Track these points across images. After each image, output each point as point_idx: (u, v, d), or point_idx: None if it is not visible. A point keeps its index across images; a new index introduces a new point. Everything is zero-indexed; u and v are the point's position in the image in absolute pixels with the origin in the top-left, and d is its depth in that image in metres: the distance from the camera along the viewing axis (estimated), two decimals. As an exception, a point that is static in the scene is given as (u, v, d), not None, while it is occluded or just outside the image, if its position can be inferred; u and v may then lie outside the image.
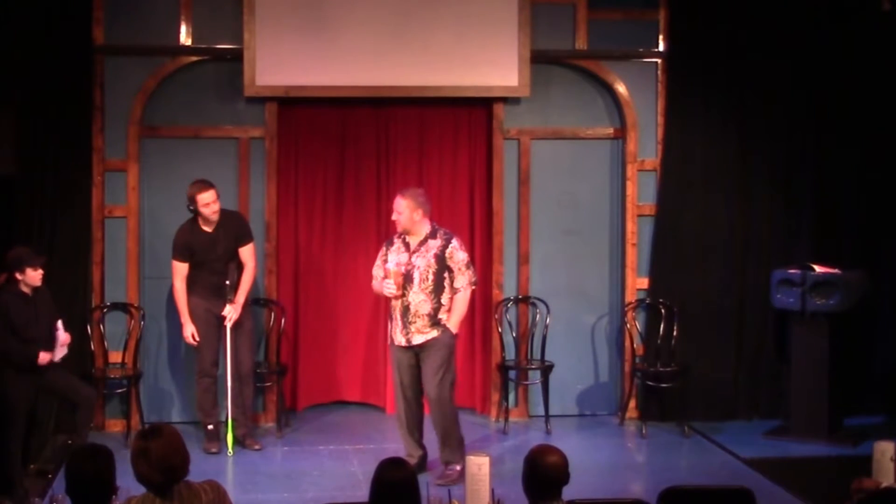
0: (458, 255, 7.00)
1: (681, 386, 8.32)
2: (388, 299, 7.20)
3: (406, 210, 7.00)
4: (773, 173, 8.63)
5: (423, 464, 7.13)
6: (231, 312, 7.66)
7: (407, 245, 7.06)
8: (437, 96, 8.44)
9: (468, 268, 7.04)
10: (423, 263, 6.96)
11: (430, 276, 6.94)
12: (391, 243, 7.17)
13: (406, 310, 6.96)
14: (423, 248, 7.00)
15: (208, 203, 7.56)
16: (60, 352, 7.05)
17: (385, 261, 7.10)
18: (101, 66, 8.19)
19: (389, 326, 7.14)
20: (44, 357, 6.84)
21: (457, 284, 6.98)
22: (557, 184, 8.71)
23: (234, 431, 7.70)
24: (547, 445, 4.27)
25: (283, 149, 8.50)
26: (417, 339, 6.97)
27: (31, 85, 7.94)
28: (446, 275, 6.97)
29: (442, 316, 6.97)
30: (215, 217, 7.63)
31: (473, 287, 7.10)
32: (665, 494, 4.65)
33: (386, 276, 7.01)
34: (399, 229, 7.09)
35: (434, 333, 6.95)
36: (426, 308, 6.94)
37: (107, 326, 8.24)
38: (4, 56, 7.89)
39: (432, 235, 7.04)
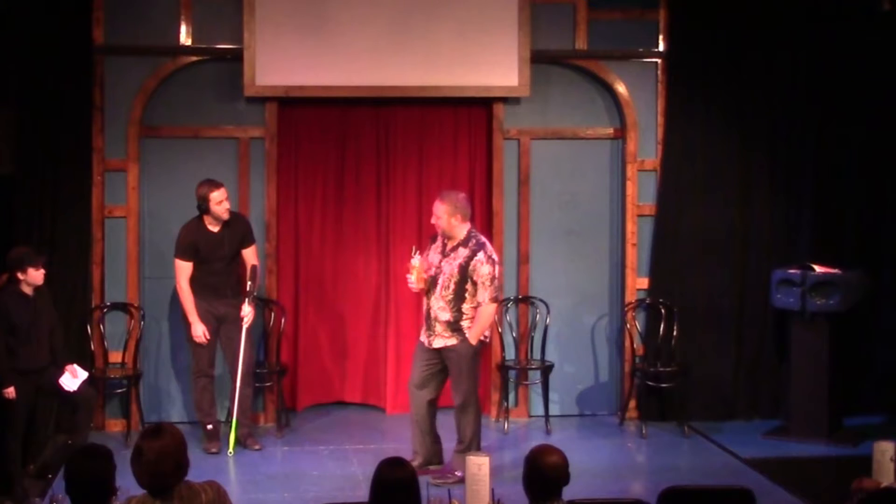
0: (481, 269, 6.85)
1: (681, 386, 8.32)
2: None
3: (444, 215, 6.93)
4: (773, 173, 8.63)
5: (429, 461, 7.10)
6: (249, 314, 7.68)
7: (444, 247, 7.03)
8: (437, 96, 8.43)
9: (492, 283, 6.88)
10: (448, 271, 6.92)
11: (452, 286, 6.90)
12: (434, 240, 7.15)
13: (428, 314, 7.00)
14: (453, 255, 6.96)
15: (221, 201, 7.60)
16: (74, 384, 7.05)
17: (426, 258, 7.10)
18: (101, 66, 8.19)
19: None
20: (9, 392, 6.80)
21: (479, 298, 6.90)
22: (557, 184, 8.71)
23: (237, 431, 7.71)
24: (547, 445, 4.27)
25: (283, 149, 8.49)
26: (437, 343, 6.97)
27: (31, 85, 7.94)
28: (468, 286, 6.89)
29: (464, 323, 6.92)
30: (226, 215, 7.66)
31: (496, 303, 7.03)
32: (665, 494, 4.65)
33: (409, 271, 7.03)
34: (440, 232, 7.03)
35: (453, 341, 6.93)
36: (445, 316, 6.92)
37: (107, 326, 8.23)
38: (4, 56, 7.89)
39: (464, 243, 6.95)
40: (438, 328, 6.95)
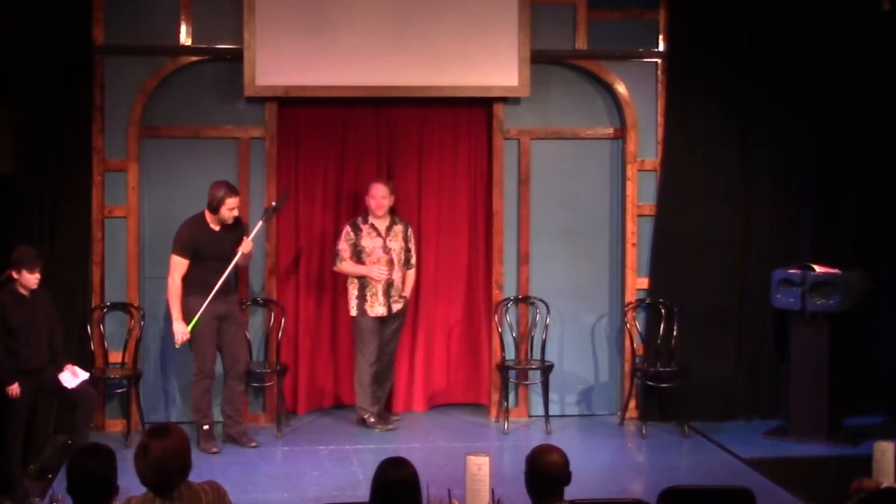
0: (413, 237, 8.34)
1: (681, 386, 8.32)
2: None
3: (390, 196, 8.17)
4: (773, 173, 8.63)
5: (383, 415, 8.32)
6: (246, 245, 7.73)
7: (377, 230, 8.16)
8: (437, 96, 8.44)
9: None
10: (397, 247, 8.19)
11: (403, 257, 8.22)
12: (355, 228, 8.17)
13: (391, 286, 8.17)
14: (392, 233, 8.20)
15: (233, 208, 7.67)
16: (73, 382, 7.05)
17: (355, 244, 8.15)
18: (101, 66, 8.19)
19: (367, 301, 8.14)
20: (14, 389, 6.80)
21: (413, 262, 8.33)
22: (557, 184, 8.71)
23: (225, 430, 7.82)
24: (548, 445, 4.27)
25: (283, 149, 8.50)
26: (398, 307, 8.25)
27: (32, 85, 7.94)
28: (411, 254, 8.32)
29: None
30: (231, 221, 7.71)
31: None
32: (665, 494, 4.65)
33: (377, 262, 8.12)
34: (380, 213, 8.12)
35: (403, 302, 8.29)
36: (399, 283, 8.24)
37: (107, 326, 8.23)
38: (4, 56, 7.89)
39: (395, 221, 8.24)
40: (396, 295, 8.20)
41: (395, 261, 8.16)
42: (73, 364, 7.17)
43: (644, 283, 8.64)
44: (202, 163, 8.27)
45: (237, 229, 7.80)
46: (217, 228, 7.70)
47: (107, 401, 8.22)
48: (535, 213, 8.69)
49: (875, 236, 8.74)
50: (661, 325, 8.52)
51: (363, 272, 8.12)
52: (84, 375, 7.14)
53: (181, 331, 7.62)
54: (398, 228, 8.22)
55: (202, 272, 7.67)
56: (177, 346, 7.72)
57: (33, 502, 4.95)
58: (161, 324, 8.35)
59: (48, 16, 7.91)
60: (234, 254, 7.71)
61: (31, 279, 6.92)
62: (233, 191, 7.69)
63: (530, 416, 8.65)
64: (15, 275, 6.90)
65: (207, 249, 7.67)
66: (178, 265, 7.66)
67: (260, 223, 7.93)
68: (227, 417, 7.87)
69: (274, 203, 8.03)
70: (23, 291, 6.93)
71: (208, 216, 7.69)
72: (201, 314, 7.59)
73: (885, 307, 8.73)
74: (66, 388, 7.05)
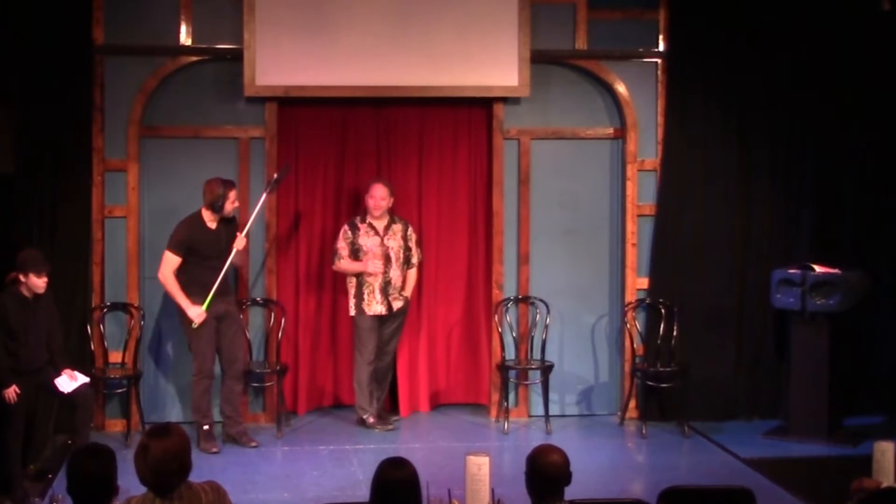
0: (415, 236, 8.37)
1: (681, 386, 8.32)
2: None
3: (389, 197, 8.17)
4: (773, 173, 8.64)
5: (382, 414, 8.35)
6: (240, 241, 7.78)
7: (375, 228, 8.19)
8: (437, 96, 8.44)
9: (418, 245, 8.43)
10: (395, 245, 8.20)
11: (402, 256, 8.23)
12: (353, 227, 8.19)
13: (388, 284, 8.20)
14: (391, 232, 8.22)
15: (234, 199, 7.74)
16: (70, 386, 7.03)
17: (352, 243, 8.18)
18: (101, 66, 8.20)
19: (365, 300, 8.17)
20: (9, 393, 6.77)
21: (414, 260, 8.35)
22: (557, 184, 8.71)
23: (225, 430, 7.82)
24: (548, 445, 4.28)
25: (283, 149, 8.50)
26: (398, 305, 8.28)
27: (32, 85, 7.95)
28: (411, 252, 8.32)
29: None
30: (232, 214, 7.76)
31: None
32: (665, 494, 4.65)
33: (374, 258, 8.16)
34: (378, 214, 8.13)
35: (403, 300, 8.30)
36: (400, 281, 8.28)
37: (107, 326, 8.23)
38: (4, 56, 7.89)
39: (393, 220, 8.27)
40: (396, 293, 8.20)
41: (394, 259, 8.16)
42: (72, 368, 7.15)
43: (644, 283, 8.64)
44: (202, 163, 8.26)
45: (231, 223, 7.81)
46: (213, 226, 7.72)
47: (107, 401, 8.22)
48: (535, 213, 8.69)
49: (875, 236, 8.74)
50: (661, 325, 8.52)
51: (359, 268, 8.16)
52: (83, 379, 7.11)
53: (197, 312, 7.62)
54: (397, 227, 8.22)
55: (200, 271, 7.67)
56: (194, 327, 7.67)
57: (33, 502, 4.94)
58: (161, 324, 8.35)
59: (48, 16, 7.91)
60: (230, 251, 7.73)
61: (38, 283, 6.89)
62: (230, 184, 7.75)
63: (530, 416, 8.65)
64: (22, 278, 6.89)
65: (205, 248, 7.67)
66: (170, 261, 7.68)
67: (263, 196, 7.99)
68: (227, 417, 7.88)
69: (276, 175, 8.09)
70: (26, 294, 6.92)
71: (205, 214, 7.70)
72: (213, 294, 7.62)
73: (885, 307, 8.74)
74: (61, 393, 7.04)
